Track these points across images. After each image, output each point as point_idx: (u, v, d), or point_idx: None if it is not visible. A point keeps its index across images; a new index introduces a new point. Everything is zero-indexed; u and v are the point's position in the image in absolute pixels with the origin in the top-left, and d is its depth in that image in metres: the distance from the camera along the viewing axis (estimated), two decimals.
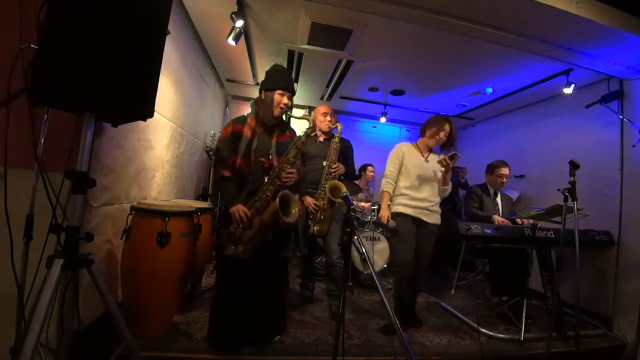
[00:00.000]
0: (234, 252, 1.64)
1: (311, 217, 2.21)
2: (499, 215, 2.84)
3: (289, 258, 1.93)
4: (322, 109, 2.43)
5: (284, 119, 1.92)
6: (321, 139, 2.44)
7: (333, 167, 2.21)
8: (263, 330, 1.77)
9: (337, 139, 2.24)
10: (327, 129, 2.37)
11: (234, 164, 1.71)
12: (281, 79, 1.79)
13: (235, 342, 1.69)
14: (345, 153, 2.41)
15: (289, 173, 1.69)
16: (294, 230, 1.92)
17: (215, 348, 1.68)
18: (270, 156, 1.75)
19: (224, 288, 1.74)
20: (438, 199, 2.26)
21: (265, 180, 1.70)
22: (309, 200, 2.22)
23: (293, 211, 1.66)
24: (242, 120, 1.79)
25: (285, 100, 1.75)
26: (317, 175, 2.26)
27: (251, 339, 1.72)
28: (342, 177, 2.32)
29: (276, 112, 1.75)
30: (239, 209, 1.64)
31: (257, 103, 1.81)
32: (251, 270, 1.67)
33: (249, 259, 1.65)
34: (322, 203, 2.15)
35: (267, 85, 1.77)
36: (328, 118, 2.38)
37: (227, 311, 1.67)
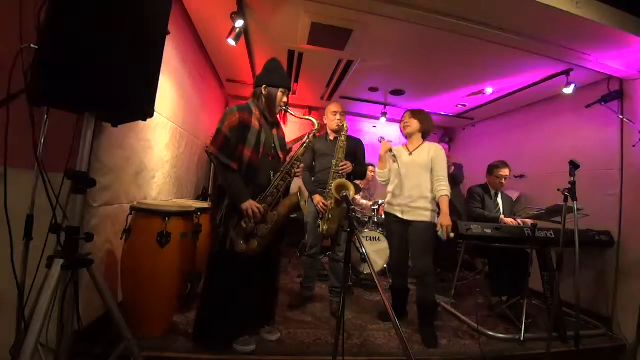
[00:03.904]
0: (246, 247, 1.62)
1: (321, 216, 2.20)
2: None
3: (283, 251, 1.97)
4: (333, 107, 2.43)
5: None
6: (331, 137, 2.44)
7: (340, 165, 2.20)
8: (258, 323, 1.85)
9: (342, 137, 2.24)
10: (336, 128, 2.37)
11: (240, 155, 1.65)
12: (283, 77, 1.83)
13: (228, 338, 1.70)
14: (355, 151, 2.41)
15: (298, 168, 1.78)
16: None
17: (208, 346, 1.68)
18: (274, 150, 1.79)
19: (222, 284, 1.68)
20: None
21: (272, 174, 1.73)
22: (318, 199, 2.22)
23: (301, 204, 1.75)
24: (248, 109, 1.72)
25: (285, 99, 1.79)
26: (326, 174, 2.26)
27: (244, 332, 1.74)
28: (351, 177, 2.30)
29: (277, 110, 1.79)
30: (252, 205, 1.62)
31: (257, 96, 1.78)
32: (252, 265, 1.67)
33: (261, 254, 1.65)
34: (329, 202, 2.15)
35: (271, 81, 1.77)
36: (338, 117, 2.37)
37: (224, 308, 1.66)
